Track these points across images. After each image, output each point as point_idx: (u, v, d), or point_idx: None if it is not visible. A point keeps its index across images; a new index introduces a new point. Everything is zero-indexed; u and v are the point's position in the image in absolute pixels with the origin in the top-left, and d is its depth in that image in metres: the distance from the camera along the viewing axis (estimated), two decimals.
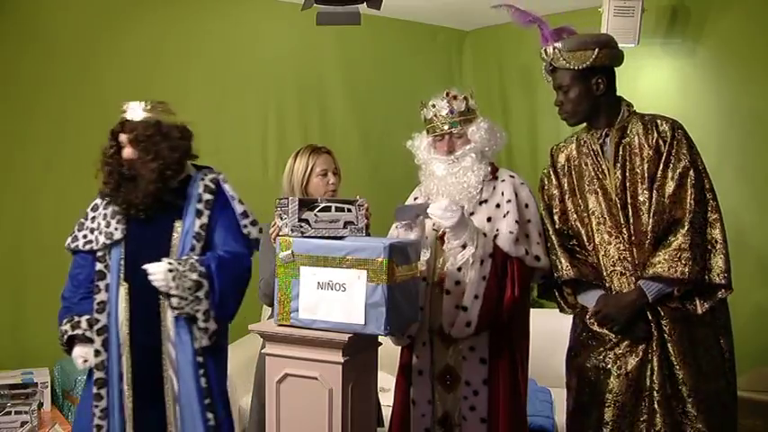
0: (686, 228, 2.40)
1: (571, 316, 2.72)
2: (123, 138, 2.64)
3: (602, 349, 2.54)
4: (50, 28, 3.87)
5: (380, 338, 2.39)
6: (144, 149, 2.61)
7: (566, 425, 2.74)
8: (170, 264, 2.47)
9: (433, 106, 2.68)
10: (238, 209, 2.69)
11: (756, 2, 3.83)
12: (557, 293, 2.67)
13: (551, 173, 2.73)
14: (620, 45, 3.78)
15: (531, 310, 2.75)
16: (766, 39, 3.80)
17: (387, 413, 2.92)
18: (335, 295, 2.25)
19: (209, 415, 2.53)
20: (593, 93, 2.55)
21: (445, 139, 2.66)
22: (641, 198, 2.47)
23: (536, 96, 4.84)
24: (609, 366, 2.51)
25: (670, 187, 2.43)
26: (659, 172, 2.45)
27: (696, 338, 2.45)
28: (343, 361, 2.23)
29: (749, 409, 3.26)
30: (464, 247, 2.51)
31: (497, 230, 2.56)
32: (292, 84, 4.61)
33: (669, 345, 2.43)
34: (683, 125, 2.52)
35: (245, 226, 2.68)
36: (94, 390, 2.55)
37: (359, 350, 2.32)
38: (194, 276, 2.47)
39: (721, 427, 2.45)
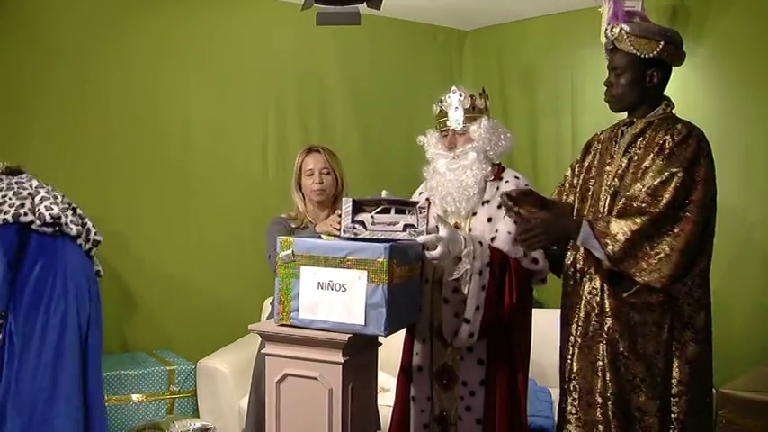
0: (646, 219, 2.30)
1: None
2: None
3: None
4: (53, 28, 3.87)
5: (380, 338, 2.39)
6: None
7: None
8: None
9: (442, 102, 2.68)
10: None
11: (756, 2, 3.83)
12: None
13: (580, 154, 2.72)
14: None
15: (532, 310, 2.75)
16: (766, 39, 3.80)
17: (386, 413, 2.92)
18: (336, 295, 2.25)
19: None
20: (644, 83, 2.49)
21: (449, 135, 2.66)
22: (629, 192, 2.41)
23: (536, 96, 4.84)
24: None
25: (653, 179, 2.34)
26: (650, 162, 2.39)
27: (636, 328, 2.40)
28: (343, 361, 2.23)
29: (749, 409, 3.26)
30: (459, 259, 2.46)
31: (497, 231, 2.56)
32: (292, 84, 4.61)
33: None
34: (705, 138, 2.43)
35: None
36: None
37: (359, 350, 2.32)
38: None
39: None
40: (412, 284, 2.43)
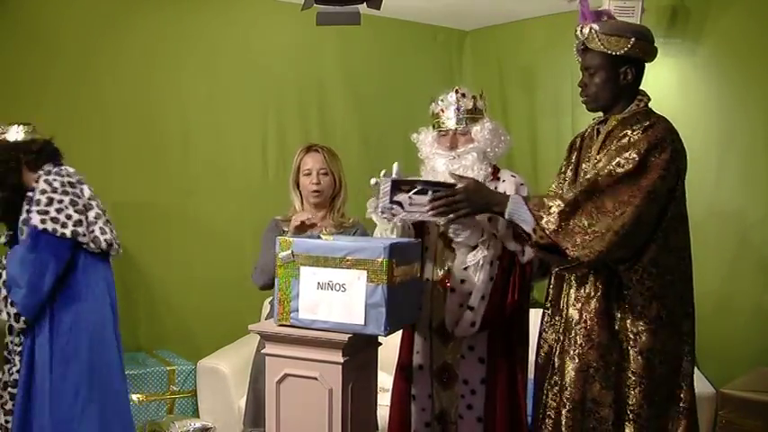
0: (583, 194, 2.28)
1: None
2: None
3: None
4: (52, 28, 3.87)
5: (380, 338, 2.39)
6: None
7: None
8: None
9: (442, 101, 2.68)
10: (35, 197, 2.86)
11: (757, 1, 3.83)
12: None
13: (565, 156, 2.72)
14: None
15: (531, 310, 2.75)
16: (766, 38, 3.80)
17: (385, 413, 2.92)
18: (335, 295, 2.25)
19: (6, 404, 2.83)
20: (618, 81, 2.47)
21: (449, 135, 2.67)
22: None
23: (536, 96, 4.84)
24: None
25: (601, 167, 2.33)
26: (602, 151, 2.39)
27: None
28: (343, 361, 2.22)
29: (749, 409, 3.26)
30: (474, 247, 2.50)
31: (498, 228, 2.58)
32: (292, 84, 4.61)
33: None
34: (672, 130, 2.39)
35: (30, 212, 2.84)
36: None
37: (359, 350, 2.32)
38: None
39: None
40: (412, 284, 2.43)
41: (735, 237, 3.84)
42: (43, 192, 2.86)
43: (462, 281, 2.56)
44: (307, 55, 4.63)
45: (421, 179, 2.38)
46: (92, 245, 2.93)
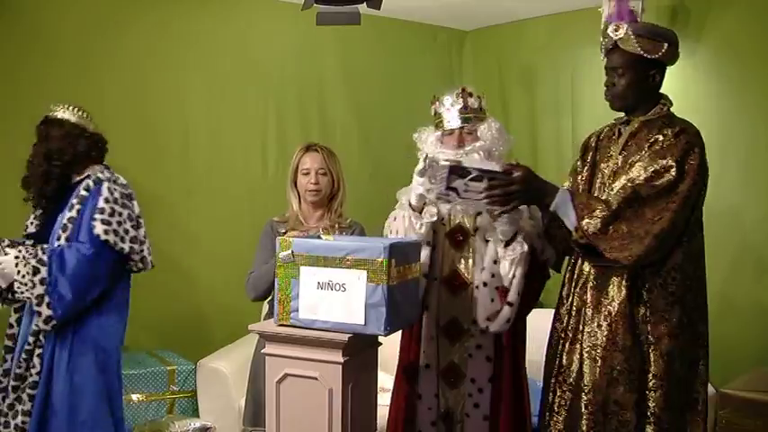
0: (626, 205, 2.31)
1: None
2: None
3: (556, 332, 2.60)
4: (50, 29, 3.87)
5: (380, 338, 2.39)
6: (37, 140, 2.95)
7: None
8: (18, 251, 2.75)
9: (447, 101, 2.67)
10: (99, 204, 2.81)
11: (757, 1, 3.83)
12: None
13: (579, 155, 2.72)
14: None
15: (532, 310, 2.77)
16: (767, 38, 3.80)
17: (385, 413, 2.91)
18: (335, 295, 2.24)
19: (24, 404, 2.75)
20: (646, 83, 2.49)
21: (455, 134, 2.65)
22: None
23: (536, 96, 4.84)
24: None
25: (643, 170, 2.34)
26: (640, 159, 2.39)
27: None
28: (343, 361, 2.22)
29: (749, 409, 3.26)
30: (509, 241, 2.51)
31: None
32: (292, 84, 4.61)
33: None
34: (699, 135, 2.43)
35: (94, 219, 2.79)
36: None
37: (359, 350, 2.32)
38: (33, 262, 2.72)
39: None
40: (412, 284, 2.43)
41: (735, 237, 3.84)
42: (107, 200, 2.81)
43: (493, 275, 2.56)
44: (307, 55, 4.64)
45: (476, 166, 2.34)
46: (140, 264, 2.92)
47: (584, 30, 4.26)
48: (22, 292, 2.72)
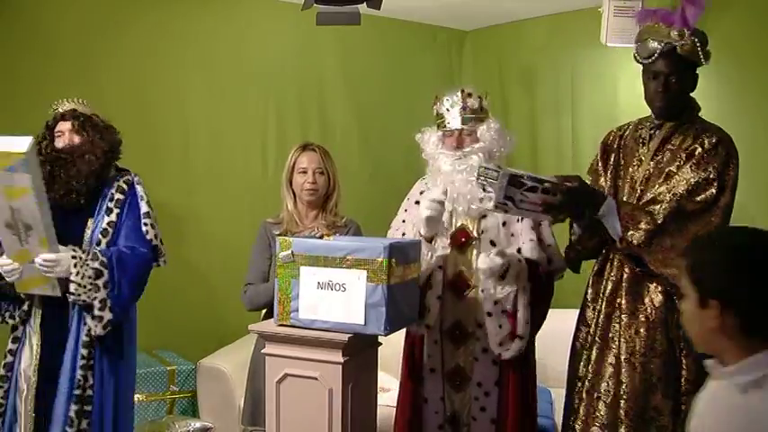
0: (671, 219, 2.34)
1: (569, 315, 2.75)
2: (65, 125, 2.77)
3: (582, 337, 2.61)
4: (49, 29, 3.86)
5: (380, 338, 2.39)
6: (88, 134, 2.78)
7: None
8: (74, 251, 2.61)
9: (447, 101, 2.67)
10: (143, 209, 2.81)
11: (757, 1, 3.83)
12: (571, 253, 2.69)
13: (597, 155, 2.73)
14: (620, 45, 3.77)
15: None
16: (767, 38, 3.80)
17: (384, 413, 2.91)
18: (335, 295, 2.25)
19: (73, 408, 2.63)
20: (691, 88, 2.53)
21: (455, 135, 2.65)
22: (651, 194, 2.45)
23: (536, 96, 4.84)
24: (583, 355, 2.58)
25: (684, 183, 2.39)
26: (683, 170, 2.41)
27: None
28: (343, 361, 2.23)
29: None
30: (502, 278, 2.48)
31: (523, 242, 2.59)
32: (292, 84, 4.61)
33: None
34: (734, 144, 2.47)
35: (145, 224, 2.80)
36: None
37: (359, 350, 2.32)
38: (95, 265, 2.62)
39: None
40: (412, 284, 2.43)
41: None
42: (148, 203, 2.83)
43: (496, 302, 2.56)
44: (307, 55, 4.63)
45: (528, 174, 2.35)
46: (161, 262, 2.94)
47: (584, 30, 4.25)
48: (78, 295, 2.59)
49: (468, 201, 2.59)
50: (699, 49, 2.44)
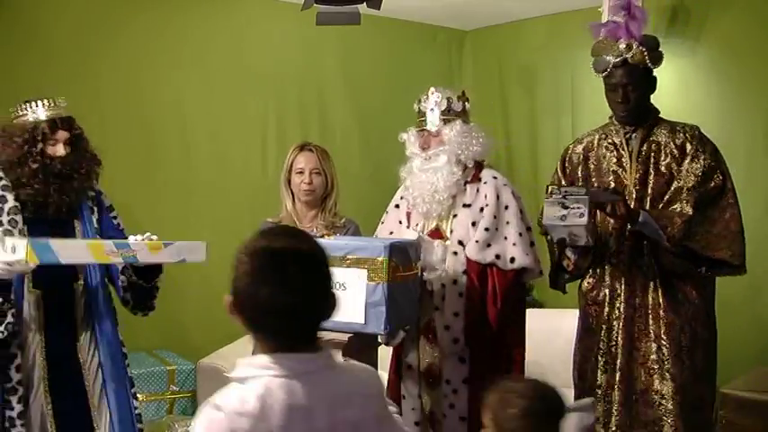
0: (695, 209, 2.50)
1: (568, 316, 2.77)
2: (62, 135, 2.63)
3: (592, 342, 2.68)
4: (47, 29, 3.86)
5: (380, 338, 2.39)
6: (83, 147, 2.67)
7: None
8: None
9: (420, 102, 2.72)
10: (106, 203, 2.80)
11: (757, 1, 3.83)
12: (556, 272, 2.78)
13: (558, 167, 2.82)
14: None
15: (532, 310, 2.76)
16: (766, 38, 3.80)
17: None
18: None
19: (135, 402, 2.62)
20: (651, 91, 2.65)
21: (423, 136, 2.67)
22: (659, 191, 2.57)
23: (536, 96, 4.84)
24: (598, 360, 2.66)
25: (691, 181, 2.53)
26: (684, 166, 2.55)
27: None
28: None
29: (749, 409, 3.26)
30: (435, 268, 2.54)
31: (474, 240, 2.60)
32: (292, 84, 4.61)
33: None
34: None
35: (115, 218, 2.82)
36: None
37: (359, 350, 2.32)
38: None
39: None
40: (412, 284, 2.43)
41: None
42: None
43: (443, 298, 2.59)
44: (307, 55, 4.63)
45: (578, 191, 2.51)
46: None
47: (583, 30, 4.25)
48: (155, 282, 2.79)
49: (426, 203, 2.62)
50: (647, 56, 2.56)
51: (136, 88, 4.12)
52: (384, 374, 3.13)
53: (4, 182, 2.51)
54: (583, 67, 4.52)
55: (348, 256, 2.24)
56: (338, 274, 2.24)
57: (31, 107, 2.72)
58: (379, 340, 2.55)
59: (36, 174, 2.51)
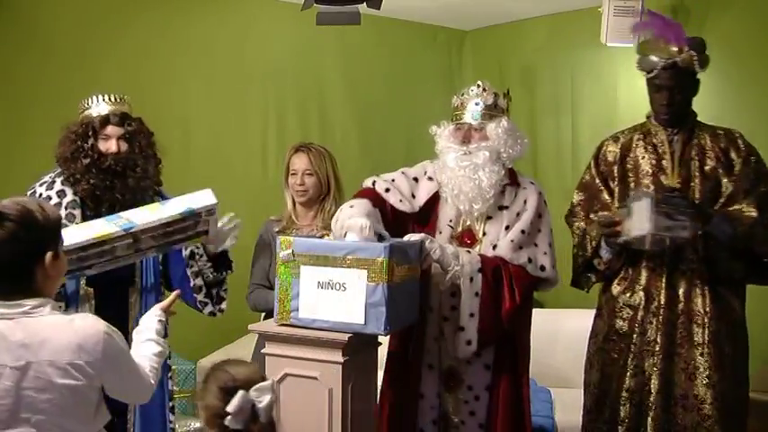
0: (757, 212, 2.54)
1: (568, 316, 2.76)
2: (113, 131, 2.57)
3: (622, 345, 2.66)
4: (48, 27, 3.86)
5: (380, 338, 2.39)
6: (140, 144, 2.61)
7: (581, 423, 2.79)
8: None
9: (463, 95, 2.62)
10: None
11: (756, 1, 3.83)
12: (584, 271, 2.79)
13: (591, 164, 2.81)
14: (620, 45, 3.78)
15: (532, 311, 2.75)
16: (766, 38, 3.80)
17: None
18: (336, 295, 2.24)
19: (171, 417, 2.59)
20: (694, 95, 2.69)
21: (464, 129, 2.59)
22: (705, 195, 2.58)
23: (536, 96, 4.84)
24: (627, 363, 2.64)
25: (746, 184, 2.57)
26: (736, 170, 2.60)
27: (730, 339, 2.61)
28: (343, 361, 2.22)
29: (749, 410, 3.26)
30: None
31: (499, 239, 2.55)
32: (292, 84, 4.61)
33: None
34: None
35: None
36: None
37: (359, 350, 2.32)
38: None
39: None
40: (412, 284, 2.43)
41: None
42: None
43: (453, 307, 2.51)
44: (307, 55, 4.64)
45: (667, 201, 2.53)
46: None
47: (584, 30, 4.26)
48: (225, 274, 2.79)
49: (470, 200, 2.53)
50: (696, 59, 2.59)
51: (136, 88, 4.09)
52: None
53: (64, 176, 2.52)
54: (583, 66, 4.54)
55: (348, 257, 2.23)
56: (338, 274, 2.24)
57: (94, 101, 2.68)
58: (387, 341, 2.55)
59: (88, 169, 2.50)
